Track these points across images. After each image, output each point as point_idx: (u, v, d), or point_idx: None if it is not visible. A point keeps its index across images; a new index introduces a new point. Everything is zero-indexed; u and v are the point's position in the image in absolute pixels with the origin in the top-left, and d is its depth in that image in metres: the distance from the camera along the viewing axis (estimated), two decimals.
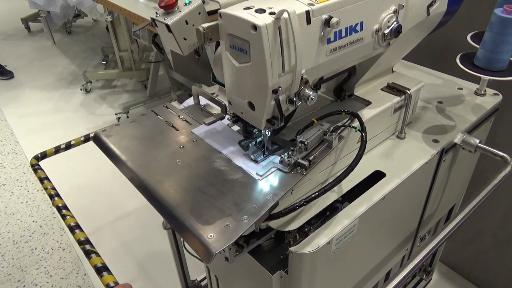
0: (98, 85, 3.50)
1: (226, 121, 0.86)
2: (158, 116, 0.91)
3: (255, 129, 0.77)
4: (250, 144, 0.75)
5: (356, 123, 0.79)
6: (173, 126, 0.87)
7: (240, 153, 0.78)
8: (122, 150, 0.81)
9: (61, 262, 1.92)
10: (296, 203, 0.70)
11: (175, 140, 0.83)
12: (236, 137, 0.81)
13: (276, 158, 0.75)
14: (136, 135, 0.85)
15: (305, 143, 0.72)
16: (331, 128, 0.76)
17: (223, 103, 0.87)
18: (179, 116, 0.91)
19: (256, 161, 0.75)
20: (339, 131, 0.77)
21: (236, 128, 0.85)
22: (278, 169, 0.73)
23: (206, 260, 0.59)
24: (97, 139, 0.86)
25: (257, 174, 0.72)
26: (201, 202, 0.67)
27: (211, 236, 0.61)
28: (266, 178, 0.71)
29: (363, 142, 0.77)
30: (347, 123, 0.79)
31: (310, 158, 0.71)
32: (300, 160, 0.71)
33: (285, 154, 0.73)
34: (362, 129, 0.78)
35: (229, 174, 0.73)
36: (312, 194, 0.71)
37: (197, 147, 0.81)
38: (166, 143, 0.82)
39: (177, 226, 0.65)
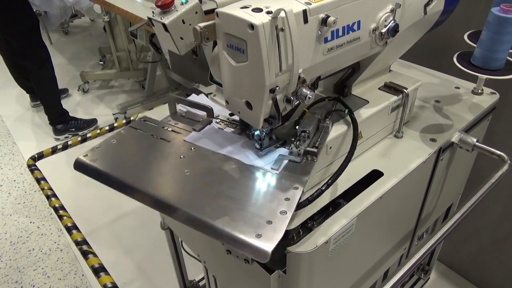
0: (95, 85, 3.49)
1: (214, 124, 0.85)
2: (139, 130, 0.84)
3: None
4: (255, 132, 0.76)
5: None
6: (162, 139, 0.82)
7: (245, 151, 0.77)
8: (119, 171, 0.73)
9: (59, 263, 1.92)
10: (314, 193, 0.72)
11: (172, 151, 0.79)
12: (232, 138, 0.81)
13: (280, 150, 0.76)
14: (126, 153, 0.78)
15: (307, 131, 0.74)
16: (323, 115, 0.79)
17: (208, 107, 0.86)
18: (163, 127, 0.85)
19: (260, 147, 0.75)
20: (330, 116, 0.81)
21: (228, 130, 0.84)
22: (290, 161, 0.74)
23: (264, 259, 0.58)
24: (81, 166, 0.77)
25: (272, 168, 0.72)
26: (230, 206, 0.65)
27: (259, 235, 0.60)
28: (282, 171, 0.72)
29: (354, 122, 0.80)
30: (333, 109, 0.82)
31: (317, 145, 0.74)
32: (308, 148, 0.73)
33: (292, 145, 0.74)
34: (349, 110, 0.82)
35: (244, 173, 0.72)
36: (322, 187, 0.73)
37: (199, 154, 0.77)
38: (164, 156, 0.78)
39: (221, 237, 0.61)
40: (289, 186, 0.69)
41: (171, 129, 0.85)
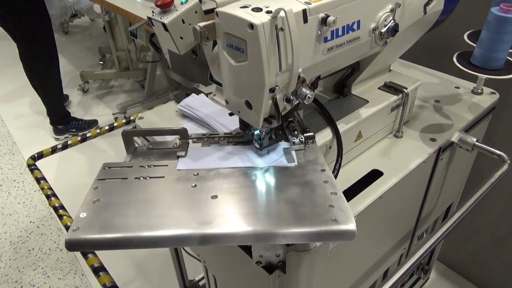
0: (95, 85, 3.49)
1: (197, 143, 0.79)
2: (115, 179, 0.69)
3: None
4: (255, 132, 0.75)
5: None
6: (152, 177, 0.70)
7: (249, 156, 0.75)
8: (138, 228, 0.59)
9: (59, 263, 1.92)
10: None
11: (175, 185, 0.68)
12: (223, 150, 0.77)
13: (281, 147, 0.77)
14: (124, 207, 0.63)
15: (297, 118, 0.77)
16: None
17: (181, 129, 0.77)
18: (141, 166, 0.73)
19: (260, 147, 0.75)
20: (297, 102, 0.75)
21: (211, 145, 0.79)
22: (296, 150, 0.75)
23: (353, 237, 0.59)
24: (75, 245, 0.58)
25: (289, 162, 0.73)
26: (288, 209, 0.62)
27: (335, 220, 0.59)
28: (298, 161, 0.73)
29: (321, 106, 0.84)
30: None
31: (307, 129, 0.76)
32: (306, 134, 0.76)
33: (290, 137, 0.76)
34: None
35: (268, 176, 0.70)
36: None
37: (207, 176, 0.70)
38: (172, 192, 0.67)
39: (307, 238, 0.60)
40: (316, 170, 0.70)
41: (150, 165, 0.73)
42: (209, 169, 0.72)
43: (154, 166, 0.73)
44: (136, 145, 0.79)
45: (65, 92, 3.42)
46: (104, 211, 0.62)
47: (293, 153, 0.75)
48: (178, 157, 0.75)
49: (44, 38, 2.50)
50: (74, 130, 2.81)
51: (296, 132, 0.76)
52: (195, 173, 0.71)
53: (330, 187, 0.66)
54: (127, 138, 0.77)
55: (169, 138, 0.81)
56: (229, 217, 0.61)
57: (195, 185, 0.68)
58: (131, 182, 0.69)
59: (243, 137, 0.80)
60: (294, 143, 0.76)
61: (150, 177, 0.70)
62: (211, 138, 0.81)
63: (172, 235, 0.58)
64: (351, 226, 0.58)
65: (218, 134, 0.82)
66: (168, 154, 0.77)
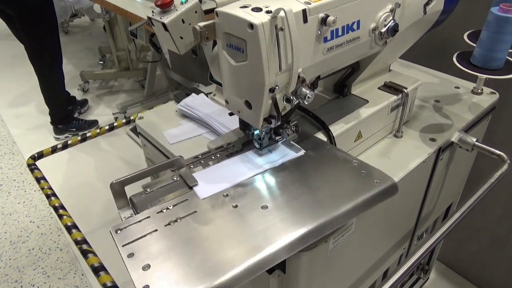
0: (95, 85, 3.49)
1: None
2: (144, 236, 0.60)
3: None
4: (255, 132, 0.76)
5: None
6: (183, 217, 0.63)
7: (260, 160, 0.74)
8: (218, 270, 0.53)
9: (59, 263, 1.92)
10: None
11: (218, 213, 0.63)
12: (229, 163, 0.75)
13: (279, 142, 0.78)
14: (181, 254, 0.56)
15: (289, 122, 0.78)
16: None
17: (176, 158, 0.72)
18: (159, 212, 0.64)
19: (260, 147, 0.76)
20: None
21: (211, 165, 0.75)
22: (293, 140, 0.78)
23: (397, 189, 0.67)
24: None
25: (297, 152, 0.75)
26: (332, 194, 0.65)
27: (377, 182, 0.66)
28: (303, 150, 0.76)
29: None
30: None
31: (296, 123, 0.79)
32: (292, 124, 0.78)
33: (283, 131, 0.77)
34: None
35: (291, 171, 0.71)
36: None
37: (238, 192, 0.67)
38: (222, 221, 0.62)
39: (365, 207, 0.64)
40: (323, 149, 0.75)
41: (170, 206, 0.65)
42: (232, 186, 0.68)
43: (174, 206, 0.65)
44: (131, 196, 0.68)
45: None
46: (170, 272, 0.53)
47: (292, 143, 0.77)
48: (192, 187, 0.68)
49: (50, 40, 2.51)
50: (74, 129, 2.81)
51: (284, 125, 0.77)
52: (225, 194, 0.67)
53: (348, 157, 0.71)
54: (119, 189, 0.67)
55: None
56: (297, 219, 0.60)
57: (236, 205, 0.64)
58: (166, 231, 0.60)
59: (234, 146, 0.79)
60: (288, 135, 0.77)
61: (182, 218, 0.62)
62: (207, 158, 0.76)
63: (269, 254, 0.55)
64: (392, 180, 0.66)
65: (210, 151, 0.78)
66: (175, 188, 0.69)
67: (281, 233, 0.58)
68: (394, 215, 0.93)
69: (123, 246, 0.59)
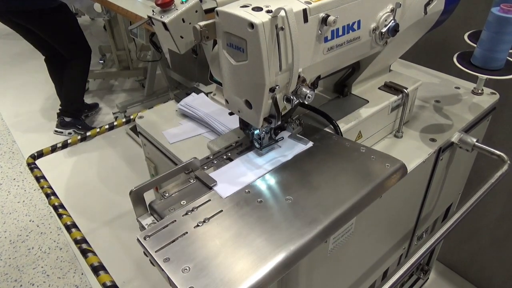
0: (95, 84, 3.49)
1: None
2: (175, 240, 0.59)
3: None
4: (255, 132, 0.76)
5: None
6: (211, 217, 0.63)
7: (271, 154, 0.75)
8: (267, 257, 0.55)
9: (58, 262, 1.92)
10: None
11: (246, 211, 0.64)
12: (242, 160, 0.75)
13: (285, 135, 0.79)
14: (219, 254, 0.56)
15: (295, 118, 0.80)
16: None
17: (190, 162, 0.71)
18: (184, 215, 0.64)
19: (260, 147, 0.76)
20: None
21: (224, 164, 0.75)
22: (298, 133, 0.80)
23: (406, 170, 0.71)
24: None
25: (306, 144, 0.77)
26: (350, 180, 0.68)
27: (388, 165, 0.70)
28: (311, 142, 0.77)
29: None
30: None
31: (298, 116, 0.80)
32: (295, 117, 0.79)
33: (288, 125, 0.79)
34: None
35: (305, 162, 0.73)
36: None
37: (259, 188, 0.68)
38: (252, 217, 0.62)
39: (382, 190, 0.68)
40: (330, 139, 0.77)
41: (191, 208, 0.65)
42: (251, 182, 0.69)
43: (197, 207, 0.64)
44: (150, 202, 0.68)
45: None
46: (212, 272, 0.53)
47: (298, 136, 0.79)
48: (211, 187, 0.68)
49: (79, 37, 2.60)
50: (80, 127, 2.79)
51: (288, 119, 0.78)
52: (246, 191, 0.67)
53: (355, 145, 0.73)
54: (138, 196, 0.66)
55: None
56: (323, 207, 0.62)
57: (260, 200, 0.65)
58: (196, 232, 0.60)
59: (243, 144, 0.80)
60: (293, 128, 0.78)
61: (209, 218, 0.62)
62: (219, 157, 0.77)
63: (305, 242, 0.57)
64: (401, 162, 0.69)
65: (220, 151, 0.79)
66: (194, 190, 0.68)
67: (311, 222, 0.59)
68: (394, 215, 0.93)
69: (156, 252, 0.58)
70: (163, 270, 0.54)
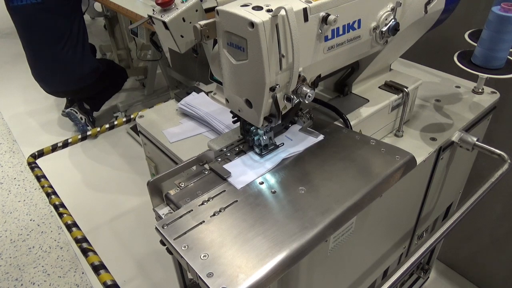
0: None
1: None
2: (192, 228, 0.61)
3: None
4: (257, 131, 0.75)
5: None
6: (227, 206, 0.65)
7: (282, 147, 0.77)
8: (279, 246, 0.57)
9: (59, 261, 1.92)
10: None
11: (260, 200, 0.65)
12: (253, 157, 0.76)
13: (296, 129, 0.80)
14: (236, 241, 0.58)
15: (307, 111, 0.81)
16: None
17: (204, 153, 0.74)
18: (200, 204, 0.66)
19: (260, 153, 0.75)
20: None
21: (237, 159, 0.76)
22: (309, 127, 0.81)
23: (415, 162, 0.72)
24: None
25: (317, 137, 0.78)
26: (360, 172, 0.69)
27: (398, 157, 0.71)
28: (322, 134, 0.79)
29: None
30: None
31: (300, 108, 0.80)
32: (305, 111, 0.81)
33: (298, 119, 0.80)
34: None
35: (315, 155, 0.74)
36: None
37: (273, 179, 0.69)
38: (267, 207, 0.64)
39: (393, 180, 0.69)
40: (340, 132, 0.78)
41: (206, 198, 0.67)
42: (264, 174, 0.70)
43: (213, 198, 0.67)
44: (166, 193, 0.70)
45: None
46: (230, 258, 0.55)
47: (308, 129, 0.80)
48: (225, 178, 0.70)
49: (115, 70, 2.80)
50: (91, 120, 2.79)
51: (299, 113, 0.80)
52: (260, 182, 0.69)
53: (365, 138, 0.74)
54: (156, 187, 0.69)
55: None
56: (336, 196, 0.64)
57: (274, 191, 0.67)
58: (213, 221, 0.62)
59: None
60: (304, 122, 0.80)
61: (225, 208, 0.64)
62: (232, 150, 0.78)
63: (319, 231, 0.59)
64: (411, 154, 0.71)
65: (233, 144, 0.79)
66: (209, 181, 0.70)
67: (325, 212, 0.61)
68: (394, 214, 0.93)
69: (174, 239, 0.60)
70: (182, 257, 0.56)
